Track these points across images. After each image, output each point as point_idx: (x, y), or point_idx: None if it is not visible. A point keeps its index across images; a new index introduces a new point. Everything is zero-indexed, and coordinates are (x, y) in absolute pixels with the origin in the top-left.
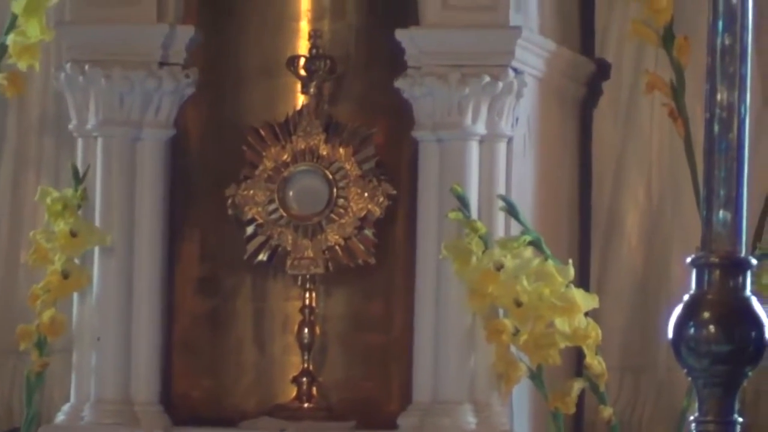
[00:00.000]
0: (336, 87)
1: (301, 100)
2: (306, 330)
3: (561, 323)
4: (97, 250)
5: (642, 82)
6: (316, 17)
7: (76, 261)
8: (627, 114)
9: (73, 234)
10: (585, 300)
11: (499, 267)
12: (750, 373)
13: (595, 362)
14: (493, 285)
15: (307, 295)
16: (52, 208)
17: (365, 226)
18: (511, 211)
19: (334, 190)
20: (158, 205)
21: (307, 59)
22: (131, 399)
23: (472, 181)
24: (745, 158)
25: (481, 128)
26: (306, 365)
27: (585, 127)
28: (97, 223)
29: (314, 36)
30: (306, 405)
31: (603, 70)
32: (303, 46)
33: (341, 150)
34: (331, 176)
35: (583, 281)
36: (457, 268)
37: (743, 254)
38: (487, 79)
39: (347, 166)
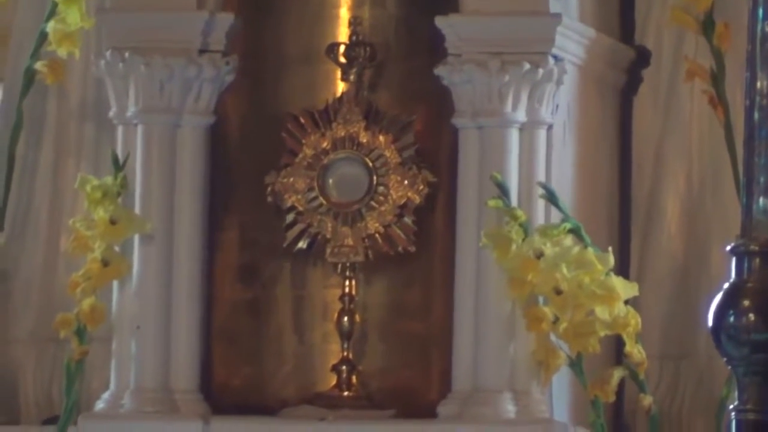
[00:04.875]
0: (376, 74)
1: (341, 87)
2: (346, 318)
3: (601, 311)
4: (137, 237)
5: (682, 69)
6: (356, 4)
7: (116, 249)
8: (667, 101)
9: (113, 222)
10: (625, 288)
11: (539, 255)
12: None
13: (635, 350)
14: (532, 273)
15: (347, 283)
16: (92, 196)
17: (405, 214)
18: (551, 198)
19: (374, 177)
20: (198, 193)
21: (347, 46)
22: (171, 387)
23: (512, 169)
24: None
25: (521, 115)
26: (346, 353)
27: (625, 115)
28: (137, 210)
29: (354, 23)
30: (345, 393)
31: (643, 58)
32: (343, 33)
33: (381, 137)
34: (371, 164)
35: (622, 269)
36: (496, 256)
37: None
38: (527, 66)
39: (387, 154)
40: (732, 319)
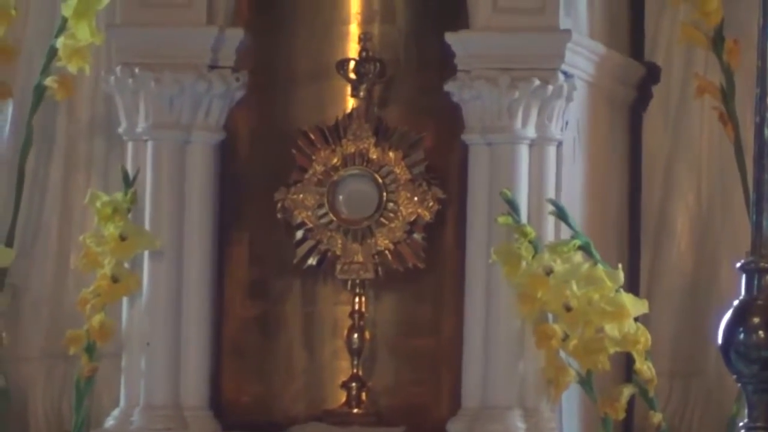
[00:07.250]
0: (386, 90)
1: (350, 103)
2: (355, 335)
3: (610, 328)
4: (146, 254)
5: (692, 86)
6: (366, 20)
7: (126, 265)
8: (677, 118)
9: (122, 238)
10: (634, 305)
11: (549, 271)
12: None
13: (644, 368)
14: (542, 290)
15: (357, 299)
16: (101, 212)
17: (415, 231)
18: (561, 215)
19: (384, 194)
20: (208, 209)
21: (357, 62)
22: (180, 404)
23: (522, 185)
24: None
25: (530, 132)
26: (355, 370)
27: (635, 131)
28: (147, 226)
29: (364, 39)
30: (355, 410)
31: (653, 74)
32: (353, 49)
33: (391, 154)
34: (380, 180)
35: (632, 286)
36: (506, 273)
37: None
38: (537, 82)
39: (397, 170)
40: (742, 336)
